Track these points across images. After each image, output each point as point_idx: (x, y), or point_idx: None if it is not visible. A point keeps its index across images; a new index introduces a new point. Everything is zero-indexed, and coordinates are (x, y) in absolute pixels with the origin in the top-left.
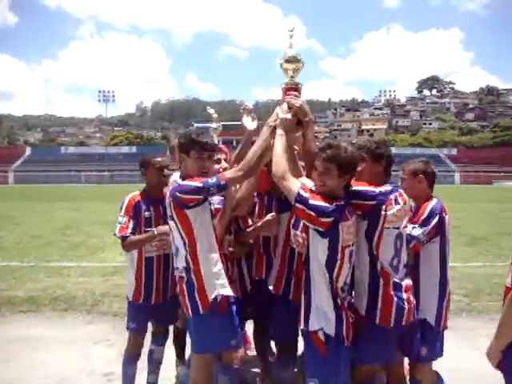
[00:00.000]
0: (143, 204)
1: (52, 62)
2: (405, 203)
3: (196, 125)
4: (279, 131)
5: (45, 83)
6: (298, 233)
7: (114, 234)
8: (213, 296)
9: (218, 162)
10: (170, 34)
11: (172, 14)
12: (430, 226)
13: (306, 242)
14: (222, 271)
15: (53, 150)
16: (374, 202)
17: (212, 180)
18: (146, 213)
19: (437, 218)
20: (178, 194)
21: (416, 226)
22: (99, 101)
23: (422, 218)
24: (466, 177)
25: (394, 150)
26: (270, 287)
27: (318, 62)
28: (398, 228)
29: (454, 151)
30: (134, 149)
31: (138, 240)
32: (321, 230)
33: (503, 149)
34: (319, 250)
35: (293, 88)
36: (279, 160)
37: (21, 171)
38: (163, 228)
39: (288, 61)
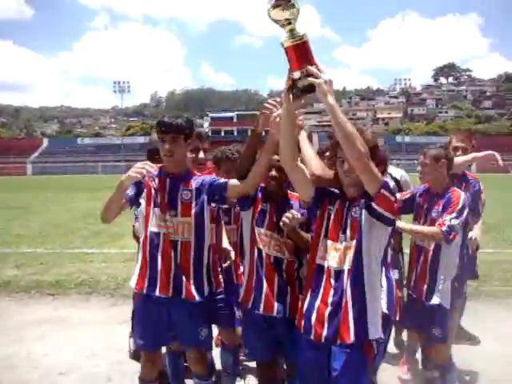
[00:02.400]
0: None
1: (68, 54)
2: None
3: (211, 115)
4: (331, 99)
5: (61, 75)
6: (263, 231)
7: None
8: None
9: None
10: (184, 24)
11: (186, 4)
12: (463, 217)
13: (346, 239)
14: (139, 261)
15: (69, 141)
16: None
17: None
18: None
19: (467, 209)
20: None
21: (453, 216)
22: (115, 91)
23: (458, 208)
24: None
25: (408, 139)
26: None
27: (332, 50)
28: None
29: None
30: (149, 139)
31: None
32: (392, 217)
33: None
34: (381, 242)
35: (300, 44)
36: (356, 135)
37: (39, 162)
38: None
39: (278, 5)
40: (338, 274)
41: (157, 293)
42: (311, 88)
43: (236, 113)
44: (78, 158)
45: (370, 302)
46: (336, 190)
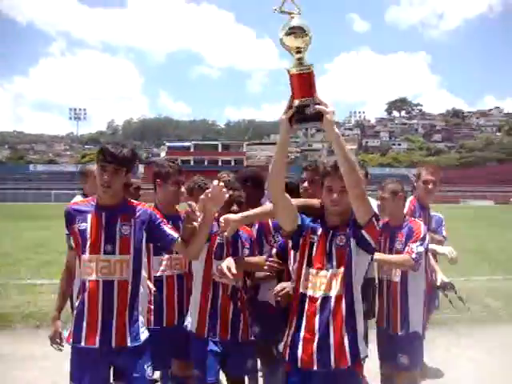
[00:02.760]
0: None
1: (23, 79)
2: None
3: (168, 144)
4: (336, 129)
5: (14, 99)
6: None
7: None
8: None
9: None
10: (143, 53)
11: (146, 33)
12: (426, 243)
13: (335, 266)
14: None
15: (21, 167)
16: None
17: None
18: None
19: (428, 236)
20: None
21: (418, 244)
22: (70, 118)
23: (421, 236)
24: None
25: None
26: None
27: None
28: None
29: None
30: (85, 168)
31: None
32: (374, 245)
33: (469, 169)
34: (363, 269)
35: (306, 75)
36: (356, 163)
37: None
38: None
39: (291, 33)
40: (324, 300)
41: (82, 344)
42: (317, 116)
43: (193, 142)
44: (29, 185)
45: (358, 325)
46: (317, 219)
